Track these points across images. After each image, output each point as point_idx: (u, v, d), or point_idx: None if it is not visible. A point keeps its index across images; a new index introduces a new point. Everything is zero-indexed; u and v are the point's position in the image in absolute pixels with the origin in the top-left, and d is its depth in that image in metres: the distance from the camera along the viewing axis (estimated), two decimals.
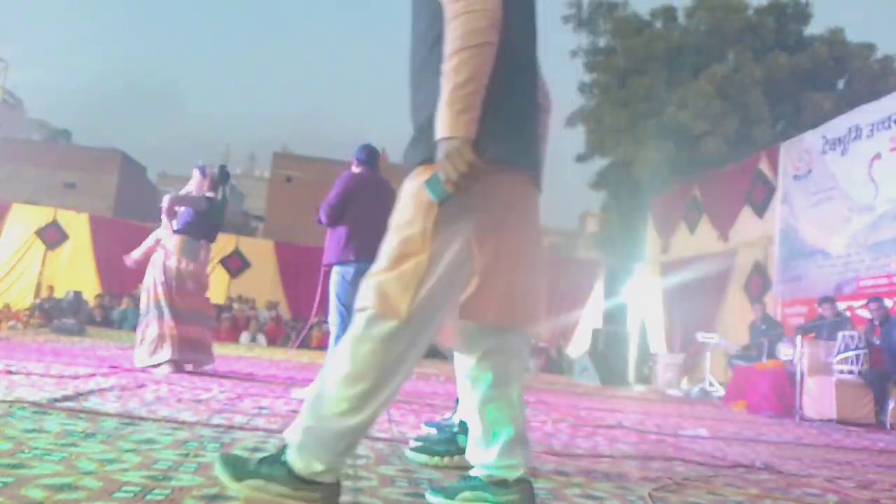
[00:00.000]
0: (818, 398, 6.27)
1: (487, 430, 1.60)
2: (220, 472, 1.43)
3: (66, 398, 2.81)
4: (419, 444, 2.25)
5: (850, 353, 6.25)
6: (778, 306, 9.59)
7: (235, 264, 14.75)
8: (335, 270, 4.21)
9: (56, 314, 11.42)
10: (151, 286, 4.76)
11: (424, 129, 1.46)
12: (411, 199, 1.47)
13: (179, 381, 4.06)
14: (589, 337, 12.00)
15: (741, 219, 10.99)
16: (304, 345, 12.83)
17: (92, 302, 12.88)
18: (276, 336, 13.34)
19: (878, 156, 8.17)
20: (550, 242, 34.54)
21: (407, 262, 1.42)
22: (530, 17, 1.62)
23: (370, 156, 4.42)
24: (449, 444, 2.19)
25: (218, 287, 13.99)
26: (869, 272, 8.06)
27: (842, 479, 2.65)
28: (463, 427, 2.22)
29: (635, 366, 12.45)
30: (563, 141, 19.81)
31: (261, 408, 3.19)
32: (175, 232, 4.86)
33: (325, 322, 14.20)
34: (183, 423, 2.48)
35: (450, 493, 1.58)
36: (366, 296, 1.44)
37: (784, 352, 7.43)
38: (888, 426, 5.87)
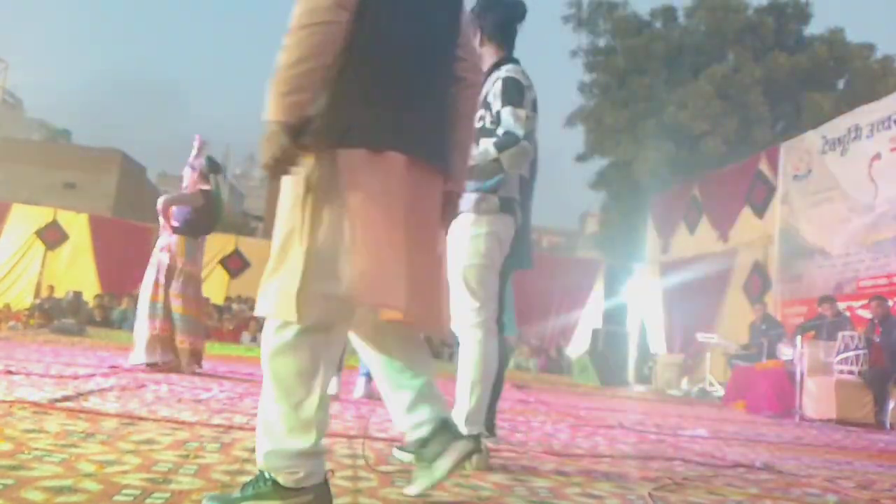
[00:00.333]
0: (818, 398, 6.27)
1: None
2: None
3: (66, 398, 2.81)
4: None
5: (850, 353, 6.25)
6: (778, 306, 9.59)
7: (235, 264, 14.74)
8: None
9: (56, 314, 11.42)
10: (151, 285, 4.75)
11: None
12: (287, 193, 1.43)
13: (179, 382, 4.06)
14: (589, 337, 12.00)
15: (741, 219, 10.99)
16: None
17: (92, 302, 12.87)
18: None
19: (877, 156, 8.18)
20: (550, 242, 34.54)
21: (290, 259, 1.38)
22: None
23: None
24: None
25: (218, 287, 13.99)
26: (869, 272, 8.06)
27: (842, 479, 2.65)
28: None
29: (635, 366, 12.45)
30: (563, 141, 19.82)
31: None
32: (174, 231, 4.84)
33: None
34: (183, 423, 2.48)
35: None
36: (262, 304, 1.40)
37: (784, 352, 7.43)
38: (888, 426, 5.87)
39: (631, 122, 16.50)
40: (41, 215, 14.28)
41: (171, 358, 4.68)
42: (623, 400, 7.03)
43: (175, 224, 4.85)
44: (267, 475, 1.37)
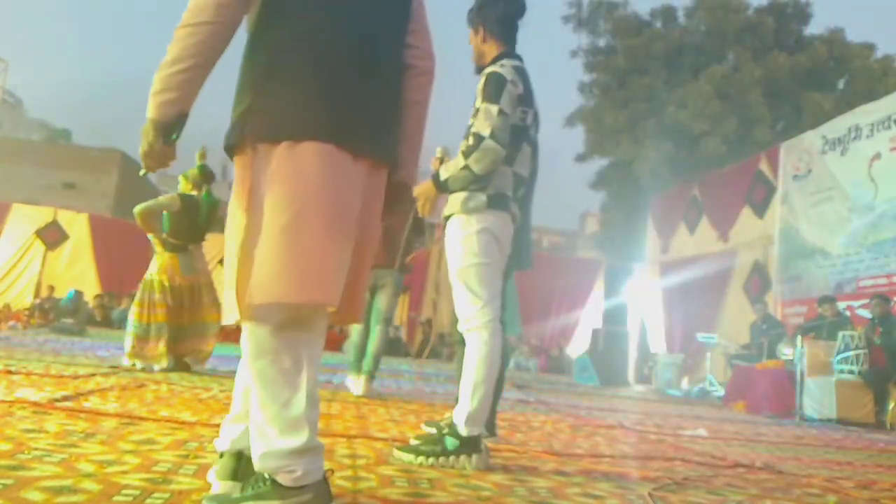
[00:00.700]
0: (818, 398, 6.27)
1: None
2: None
3: (66, 398, 2.81)
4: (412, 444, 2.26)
5: (850, 353, 6.25)
6: (778, 306, 9.59)
7: None
8: None
9: (56, 314, 11.42)
10: (147, 306, 4.70)
11: (233, 114, 1.45)
12: (232, 191, 1.45)
13: (179, 381, 4.06)
14: (589, 337, 12.00)
15: (741, 219, 10.99)
16: None
17: (92, 302, 12.88)
18: None
19: (877, 156, 8.18)
20: (550, 242, 34.55)
21: (239, 263, 1.39)
22: None
23: None
24: (435, 444, 2.19)
25: (219, 287, 13.99)
26: (868, 272, 8.06)
27: (842, 479, 2.65)
28: (452, 428, 2.22)
29: (635, 366, 12.45)
30: (563, 141, 19.82)
31: None
32: (167, 250, 4.79)
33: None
34: (183, 423, 2.48)
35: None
36: (224, 312, 1.42)
37: (784, 352, 7.43)
38: (888, 426, 5.87)
39: (631, 122, 16.50)
40: (41, 215, 14.28)
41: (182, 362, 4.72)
42: (623, 400, 7.03)
43: (164, 241, 4.80)
44: (266, 475, 1.37)
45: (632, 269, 14.38)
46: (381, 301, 4.54)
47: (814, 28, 16.88)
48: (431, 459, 2.14)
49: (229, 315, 1.40)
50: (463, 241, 2.31)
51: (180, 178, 4.99)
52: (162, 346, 4.62)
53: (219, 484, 1.46)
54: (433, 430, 2.54)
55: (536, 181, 2.99)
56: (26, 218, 14.09)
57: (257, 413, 1.38)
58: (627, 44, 17.10)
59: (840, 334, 6.46)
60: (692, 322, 11.22)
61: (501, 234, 2.35)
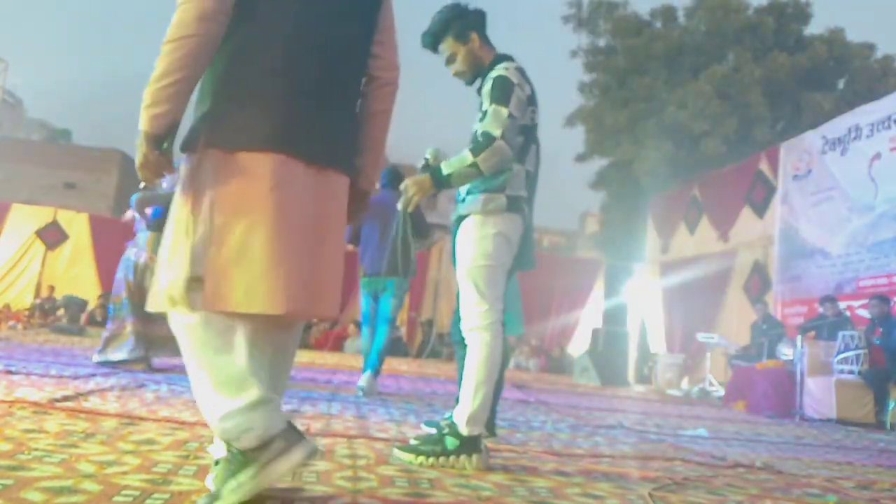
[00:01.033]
0: (818, 398, 6.27)
1: None
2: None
3: (66, 398, 2.81)
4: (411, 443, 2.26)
5: (850, 353, 6.25)
6: (778, 306, 9.59)
7: None
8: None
9: (56, 314, 11.42)
10: (120, 284, 4.75)
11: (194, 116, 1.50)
12: (179, 187, 1.50)
13: (179, 381, 4.06)
14: (589, 337, 11.99)
15: (741, 219, 10.99)
16: (304, 344, 12.85)
17: (92, 302, 12.87)
18: None
19: (877, 156, 8.17)
20: (550, 242, 34.54)
21: (177, 251, 1.44)
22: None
23: (387, 177, 4.89)
24: (435, 444, 2.19)
25: None
26: (869, 272, 8.06)
27: (842, 479, 2.65)
28: (452, 428, 2.22)
29: (635, 366, 12.44)
30: (563, 141, 19.81)
31: None
32: (148, 228, 4.85)
33: (324, 323, 14.21)
34: (183, 423, 2.48)
35: None
36: (150, 298, 1.47)
37: (784, 352, 7.42)
38: (888, 426, 5.87)
39: (631, 122, 16.49)
40: (41, 215, 14.28)
41: (157, 351, 4.66)
42: (623, 400, 7.03)
43: (149, 221, 4.83)
44: (233, 450, 1.38)
45: (632, 269, 14.37)
46: (386, 305, 4.71)
47: (814, 28, 16.87)
48: (431, 459, 2.14)
49: (154, 303, 1.45)
50: (477, 242, 2.33)
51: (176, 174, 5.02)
52: (129, 327, 4.60)
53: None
54: (433, 430, 2.54)
55: (538, 180, 3.01)
56: (26, 218, 14.09)
57: (199, 389, 1.41)
58: (627, 44, 17.09)
59: (840, 334, 6.46)
60: (692, 322, 11.21)
61: (513, 237, 2.39)
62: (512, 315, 3.18)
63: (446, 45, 2.52)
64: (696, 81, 15.44)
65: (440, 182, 2.31)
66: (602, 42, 18.27)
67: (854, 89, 15.46)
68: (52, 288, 12.93)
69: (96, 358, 4.61)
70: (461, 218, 2.41)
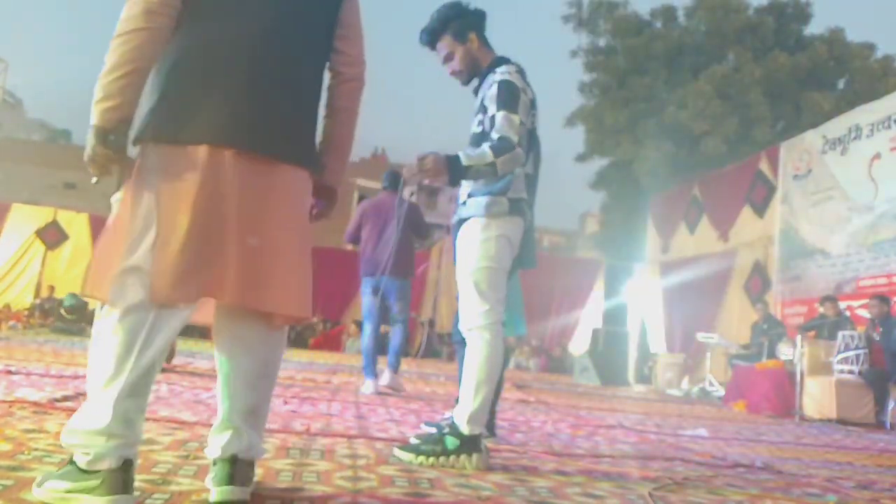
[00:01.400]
0: (818, 398, 6.27)
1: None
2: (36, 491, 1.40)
3: (66, 398, 2.81)
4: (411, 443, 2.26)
5: (850, 353, 6.25)
6: (778, 306, 9.59)
7: None
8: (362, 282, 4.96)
9: (56, 314, 11.42)
10: None
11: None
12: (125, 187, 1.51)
13: (179, 381, 4.06)
14: (589, 337, 12.00)
15: (741, 219, 10.99)
16: (300, 343, 12.89)
17: (92, 302, 12.87)
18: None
19: (877, 156, 8.17)
20: (550, 242, 34.54)
21: (107, 241, 1.45)
22: None
23: (388, 179, 5.00)
24: (436, 444, 2.19)
25: None
26: (869, 272, 8.06)
27: (842, 479, 2.65)
28: (452, 428, 2.22)
29: (635, 366, 12.43)
30: (563, 141, 19.81)
31: None
32: None
33: (326, 323, 14.20)
34: (183, 423, 2.48)
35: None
36: (84, 283, 1.48)
37: (784, 352, 7.42)
38: (888, 426, 5.86)
39: (631, 122, 16.49)
40: (41, 215, 14.28)
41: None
42: (623, 400, 7.03)
43: None
44: (71, 455, 1.38)
45: (632, 269, 14.37)
46: (393, 305, 4.90)
47: (814, 28, 16.88)
48: (432, 459, 2.14)
49: (84, 286, 1.46)
50: (480, 244, 2.34)
51: None
52: None
53: (216, 491, 1.46)
54: (433, 430, 2.54)
55: (539, 180, 3.01)
56: (26, 218, 14.09)
57: (87, 388, 1.41)
58: (627, 44, 17.09)
59: (840, 334, 6.46)
60: (692, 322, 11.21)
61: (515, 239, 2.40)
62: (514, 315, 3.18)
63: (444, 44, 2.52)
64: (696, 81, 15.44)
65: (457, 170, 2.23)
66: (602, 42, 18.28)
67: (854, 89, 15.46)
68: (52, 288, 12.94)
69: None
70: (463, 220, 2.41)
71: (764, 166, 10.65)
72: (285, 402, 3.53)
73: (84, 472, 1.35)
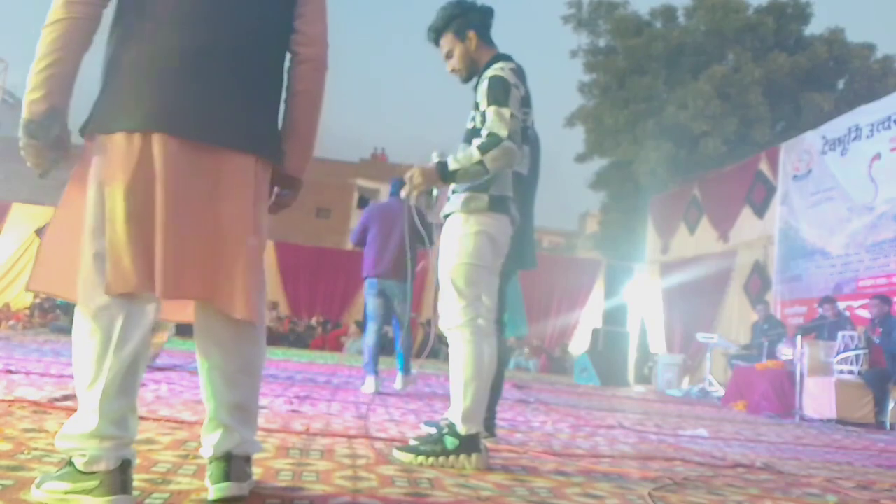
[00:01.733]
0: (818, 398, 6.27)
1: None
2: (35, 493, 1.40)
3: (66, 398, 2.81)
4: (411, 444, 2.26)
5: (850, 353, 6.25)
6: (777, 306, 9.59)
7: None
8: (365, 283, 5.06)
9: (56, 314, 11.41)
10: None
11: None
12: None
13: (179, 381, 4.06)
14: (589, 337, 12.00)
15: (741, 219, 10.99)
16: (300, 344, 12.88)
17: None
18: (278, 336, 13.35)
19: (877, 156, 8.17)
20: (550, 242, 34.54)
21: (54, 235, 1.47)
22: None
23: (396, 186, 5.11)
24: (435, 444, 2.19)
25: None
26: (868, 272, 8.06)
27: (842, 479, 2.65)
28: (451, 428, 2.22)
29: (635, 366, 12.44)
30: (563, 141, 19.82)
31: (260, 407, 3.18)
32: None
33: (326, 324, 14.19)
34: (182, 422, 2.48)
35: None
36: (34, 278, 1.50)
37: (784, 352, 7.42)
38: (888, 426, 5.87)
39: (631, 122, 16.49)
40: (41, 214, 14.25)
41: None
42: (623, 400, 7.03)
43: None
44: (69, 456, 1.39)
45: (632, 269, 14.38)
46: (397, 308, 5.00)
47: (814, 28, 16.86)
48: (431, 459, 2.14)
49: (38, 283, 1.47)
50: (459, 240, 2.31)
51: None
52: None
53: (213, 489, 1.46)
54: (433, 430, 2.54)
55: (538, 181, 2.99)
56: (26, 218, 14.08)
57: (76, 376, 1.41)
58: (627, 44, 17.09)
59: (840, 334, 6.46)
60: (692, 322, 11.21)
61: (499, 236, 2.35)
62: (514, 316, 3.18)
63: (445, 41, 2.52)
64: (696, 81, 15.44)
65: (446, 177, 2.26)
66: (602, 42, 18.28)
67: (854, 89, 15.46)
68: None
69: None
70: (446, 216, 2.40)
71: (764, 166, 10.65)
72: (286, 402, 3.53)
73: (82, 473, 1.35)
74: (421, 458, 2.15)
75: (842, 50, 16.01)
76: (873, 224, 8.07)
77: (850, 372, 6.20)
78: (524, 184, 2.52)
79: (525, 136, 2.46)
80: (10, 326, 10.41)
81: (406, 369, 4.96)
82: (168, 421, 2.48)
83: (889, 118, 8.08)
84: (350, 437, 2.55)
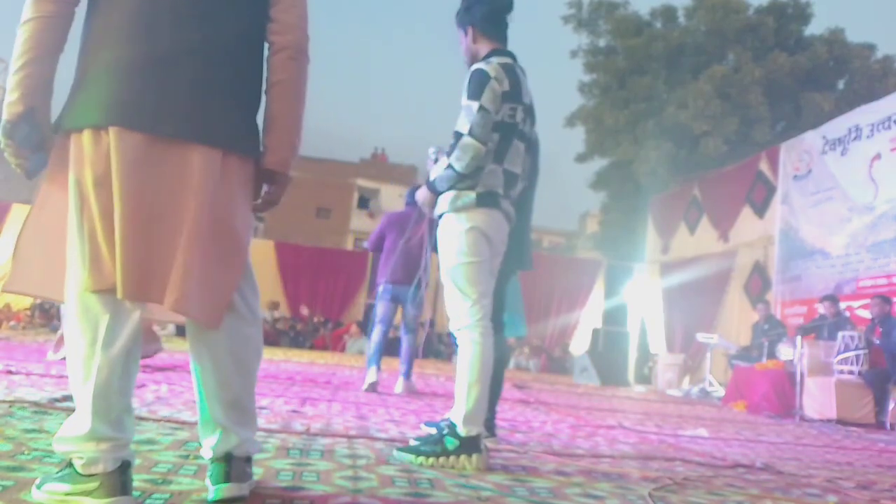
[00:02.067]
0: (818, 398, 6.27)
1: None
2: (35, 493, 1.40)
3: (65, 398, 2.81)
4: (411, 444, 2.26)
5: (850, 354, 6.25)
6: (777, 306, 9.59)
7: None
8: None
9: (56, 314, 11.42)
10: None
11: None
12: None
13: (179, 381, 4.06)
14: (589, 337, 12.01)
15: (741, 219, 10.99)
16: (300, 344, 12.88)
17: None
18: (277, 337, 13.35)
19: (878, 156, 8.17)
20: (550, 242, 34.53)
21: (29, 234, 1.45)
22: None
23: (411, 195, 5.15)
24: (435, 445, 2.19)
25: None
26: (868, 272, 8.06)
27: (842, 479, 2.65)
28: (451, 428, 2.22)
29: (635, 366, 12.44)
30: (563, 141, 19.83)
31: (260, 408, 3.19)
32: None
33: (327, 323, 14.19)
34: (183, 423, 2.48)
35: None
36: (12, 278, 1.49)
37: (784, 352, 7.42)
38: (888, 426, 5.87)
39: (631, 122, 16.50)
40: None
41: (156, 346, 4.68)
42: (623, 400, 7.03)
43: None
44: (69, 459, 1.38)
45: (632, 269, 14.38)
46: (409, 311, 5.12)
47: (814, 28, 16.89)
48: (431, 459, 2.14)
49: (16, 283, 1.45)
50: (452, 239, 2.30)
51: None
52: None
53: (214, 489, 1.46)
54: (433, 430, 2.54)
55: (538, 180, 2.98)
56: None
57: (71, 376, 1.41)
58: (627, 44, 17.10)
59: (840, 334, 6.46)
60: (692, 322, 11.21)
61: (492, 232, 2.32)
62: (514, 316, 3.18)
63: (459, 32, 2.55)
64: (696, 81, 15.45)
65: (431, 188, 2.36)
66: (602, 42, 18.29)
67: (854, 89, 15.46)
68: None
69: (53, 356, 4.56)
70: (439, 217, 2.40)
71: (764, 166, 10.65)
72: (286, 402, 3.53)
73: (81, 475, 1.35)
74: (421, 459, 2.15)
75: (842, 50, 16.01)
76: (873, 224, 8.07)
77: (851, 372, 6.20)
78: (519, 182, 2.48)
79: (516, 132, 2.38)
80: (10, 327, 10.41)
81: (408, 374, 5.05)
82: (168, 421, 2.48)
83: (889, 118, 8.09)
84: (350, 437, 2.55)
